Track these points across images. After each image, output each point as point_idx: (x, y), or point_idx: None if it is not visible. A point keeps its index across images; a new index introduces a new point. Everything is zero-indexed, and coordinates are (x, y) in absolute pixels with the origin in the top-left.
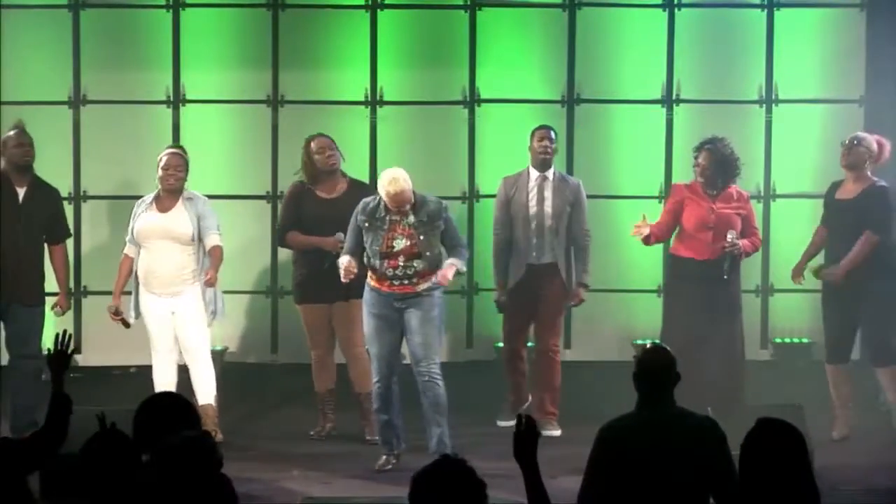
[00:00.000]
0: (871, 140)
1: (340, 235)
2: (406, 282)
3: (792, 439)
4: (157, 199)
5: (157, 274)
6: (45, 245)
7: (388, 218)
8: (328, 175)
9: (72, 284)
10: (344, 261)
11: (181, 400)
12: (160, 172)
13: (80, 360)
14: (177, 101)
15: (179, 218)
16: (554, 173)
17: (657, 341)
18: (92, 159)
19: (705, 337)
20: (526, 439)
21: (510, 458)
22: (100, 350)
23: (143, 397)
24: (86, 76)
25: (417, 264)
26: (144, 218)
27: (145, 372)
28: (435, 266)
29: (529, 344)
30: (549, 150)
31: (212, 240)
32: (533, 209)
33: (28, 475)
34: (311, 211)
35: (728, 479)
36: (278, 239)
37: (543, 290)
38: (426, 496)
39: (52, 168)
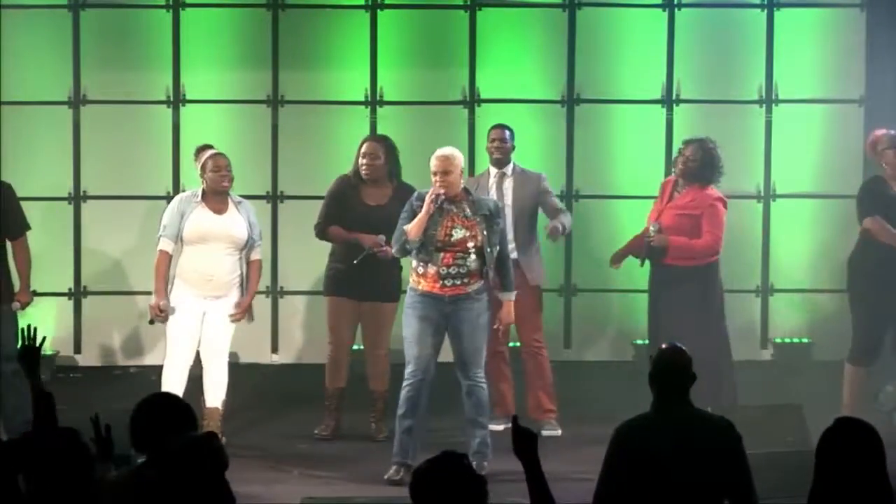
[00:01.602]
0: None
1: (382, 238)
2: (458, 282)
3: (870, 439)
4: (204, 199)
5: (214, 276)
6: (8, 242)
7: (443, 206)
8: (372, 182)
9: (71, 284)
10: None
11: (179, 401)
12: (210, 174)
13: (80, 360)
14: (177, 101)
15: (237, 221)
16: (514, 168)
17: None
18: (92, 159)
19: (677, 337)
20: (525, 435)
21: (509, 458)
22: (99, 350)
23: (141, 398)
24: (86, 76)
25: (471, 263)
26: (201, 217)
27: (145, 372)
28: (484, 267)
29: (514, 344)
30: (501, 148)
31: (255, 253)
32: None
33: (18, 475)
34: (356, 216)
35: (743, 480)
36: (318, 231)
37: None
38: (427, 489)
39: (52, 168)
